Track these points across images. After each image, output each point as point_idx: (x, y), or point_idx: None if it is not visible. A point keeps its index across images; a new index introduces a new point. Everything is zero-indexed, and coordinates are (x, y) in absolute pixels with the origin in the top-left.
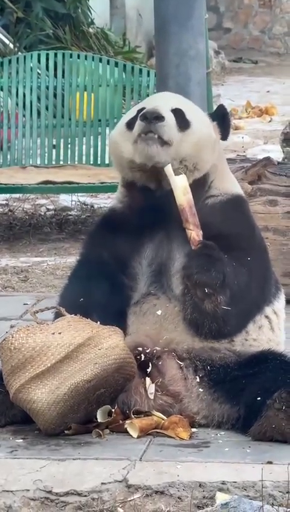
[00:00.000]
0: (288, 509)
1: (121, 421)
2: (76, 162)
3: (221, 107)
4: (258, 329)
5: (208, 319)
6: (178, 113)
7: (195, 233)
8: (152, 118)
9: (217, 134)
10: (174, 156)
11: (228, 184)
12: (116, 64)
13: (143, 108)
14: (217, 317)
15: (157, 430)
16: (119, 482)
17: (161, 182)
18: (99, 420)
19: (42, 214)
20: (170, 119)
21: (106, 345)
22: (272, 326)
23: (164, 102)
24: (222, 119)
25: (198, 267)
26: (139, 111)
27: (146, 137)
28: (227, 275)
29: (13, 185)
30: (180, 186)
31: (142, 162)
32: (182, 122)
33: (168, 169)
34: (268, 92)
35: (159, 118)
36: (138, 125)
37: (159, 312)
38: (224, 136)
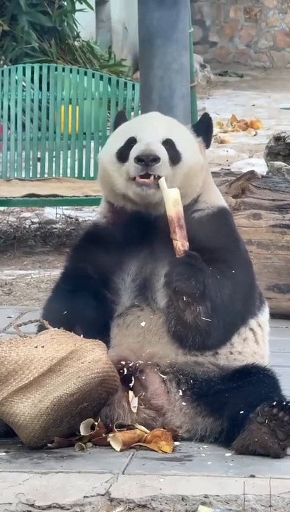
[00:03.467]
0: None
1: (104, 435)
2: (61, 175)
3: (206, 116)
4: (243, 342)
5: (191, 331)
6: (169, 145)
7: (180, 244)
8: (149, 161)
9: (203, 150)
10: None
11: (214, 197)
12: (101, 77)
13: (133, 139)
14: (200, 330)
15: (140, 444)
16: (102, 495)
17: (149, 208)
18: (82, 433)
19: (27, 227)
20: (164, 156)
21: (89, 359)
22: (257, 339)
23: (155, 133)
24: (206, 128)
25: (178, 275)
26: (129, 141)
27: (143, 181)
28: (208, 286)
29: None
30: (171, 198)
31: (137, 200)
32: (174, 155)
33: (162, 183)
34: (253, 105)
35: (155, 159)
36: (134, 167)
37: (143, 324)
38: (207, 144)
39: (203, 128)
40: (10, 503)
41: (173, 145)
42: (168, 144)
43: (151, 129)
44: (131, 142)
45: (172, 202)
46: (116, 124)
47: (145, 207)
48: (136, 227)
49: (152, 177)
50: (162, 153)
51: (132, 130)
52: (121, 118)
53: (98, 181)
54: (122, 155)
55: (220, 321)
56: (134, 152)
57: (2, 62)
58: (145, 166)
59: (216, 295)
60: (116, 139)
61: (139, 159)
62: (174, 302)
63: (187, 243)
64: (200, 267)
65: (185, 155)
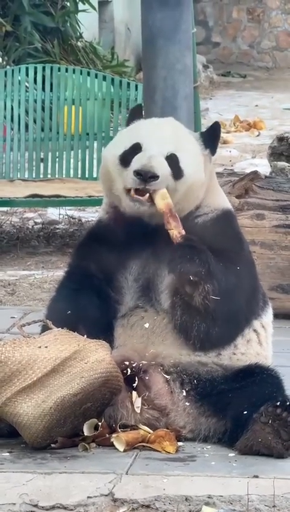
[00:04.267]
0: None
1: (107, 435)
2: (64, 176)
3: (216, 125)
4: (246, 343)
5: (197, 321)
6: (173, 160)
7: (177, 232)
8: (147, 177)
9: (209, 162)
10: None
11: (219, 199)
12: (104, 78)
13: (138, 146)
14: (208, 312)
15: (144, 444)
16: (106, 495)
17: (143, 218)
18: (85, 434)
19: (30, 227)
20: (164, 172)
21: (93, 359)
22: (260, 340)
23: (160, 146)
24: (214, 138)
25: (181, 257)
26: (134, 147)
27: (136, 198)
28: (212, 265)
29: (1, 198)
30: (159, 193)
31: (129, 212)
32: (176, 171)
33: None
34: (256, 106)
35: (154, 177)
36: (132, 180)
37: (146, 325)
38: (213, 153)
39: (211, 137)
40: (14, 504)
41: (176, 161)
42: (172, 159)
43: (157, 140)
44: (136, 148)
45: (160, 196)
46: (129, 119)
47: (139, 217)
48: (137, 227)
49: (147, 195)
50: (163, 170)
51: (139, 135)
52: (136, 114)
53: (100, 177)
54: (125, 160)
55: (225, 306)
56: (135, 163)
57: (5, 63)
58: (142, 182)
59: (220, 274)
60: (123, 141)
61: (138, 173)
62: (181, 288)
63: (183, 231)
64: (201, 248)
65: (187, 171)
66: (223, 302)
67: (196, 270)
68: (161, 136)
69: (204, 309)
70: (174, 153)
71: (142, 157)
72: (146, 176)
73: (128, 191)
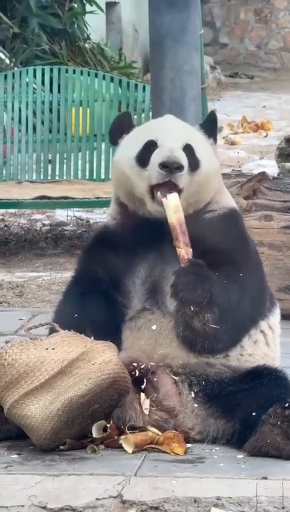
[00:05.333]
0: None
1: (116, 437)
2: (72, 177)
3: (212, 114)
4: (253, 344)
5: (199, 337)
6: (189, 151)
7: (184, 252)
8: (173, 168)
9: (216, 151)
10: (184, 195)
11: (226, 198)
12: (112, 79)
13: (153, 142)
14: (208, 336)
15: (152, 446)
16: (114, 497)
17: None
18: (94, 435)
19: (38, 229)
20: (186, 164)
21: (100, 360)
22: (268, 341)
23: (176, 138)
24: (212, 125)
25: (184, 284)
26: (148, 144)
27: (163, 194)
28: (215, 293)
29: (9, 200)
30: (171, 205)
31: (156, 216)
32: (193, 161)
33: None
34: (264, 107)
35: (180, 167)
36: (158, 173)
37: (154, 327)
38: (215, 141)
39: (210, 127)
40: (23, 506)
41: (192, 151)
42: (188, 149)
43: (171, 133)
44: (150, 145)
45: (173, 209)
46: (121, 129)
47: (154, 219)
48: (146, 230)
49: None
50: (185, 161)
51: (150, 132)
52: (126, 121)
53: (113, 184)
54: (142, 159)
55: (229, 326)
56: (157, 158)
57: (12, 64)
58: (169, 174)
59: (224, 301)
60: (133, 142)
61: (164, 165)
62: (182, 310)
63: (191, 250)
64: (205, 275)
65: (203, 161)
66: (225, 320)
67: (198, 301)
68: (173, 129)
69: (203, 333)
70: (189, 143)
71: (164, 150)
72: (172, 167)
73: (152, 193)
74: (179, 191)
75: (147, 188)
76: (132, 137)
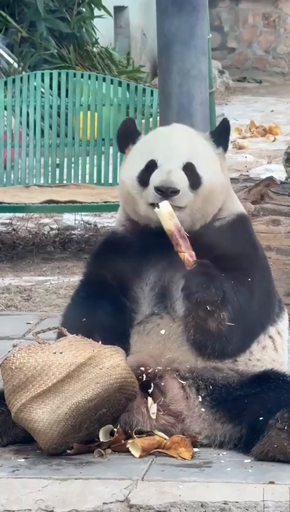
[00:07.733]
0: None
1: (123, 441)
2: (79, 181)
3: (225, 121)
4: (262, 350)
5: (211, 340)
6: (190, 170)
7: (188, 255)
8: (168, 193)
9: (224, 161)
10: (188, 212)
11: (235, 203)
12: (120, 83)
13: (153, 162)
14: (221, 336)
15: (160, 450)
16: (121, 501)
17: None
18: (101, 440)
19: (45, 233)
20: (184, 185)
21: (108, 365)
22: (276, 346)
23: (175, 158)
24: (225, 134)
25: (197, 286)
26: (149, 164)
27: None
28: (226, 291)
29: (17, 204)
30: (164, 212)
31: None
32: (194, 179)
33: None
34: (272, 111)
35: (174, 192)
36: (154, 195)
37: (162, 331)
38: (225, 149)
39: (222, 135)
40: (30, 510)
41: (193, 169)
42: (189, 168)
43: (171, 152)
44: (151, 165)
45: (167, 216)
46: (127, 137)
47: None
48: (154, 238)
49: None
50: (182, 182)
51: (152, 151)
52: (131, 130)
53: (120, 200)
54: (143, 179)
55: (239, 329)
56: (154, 180)
57: (20, 68)
58: (164, 197)
59: (234, 300)
60: (136, 160)
61: (158, 189)
62: (195, 313)
63: (193, 253)
64: (214, 274)
65: (206, 178)
66: (237, 319)
67: (213, 299)
68: (174, 147)
69: (217, 333)
70: (189, 161)
71: (161, 173)
72: (167, 192)
73: (152, 205)
74: (179, 209)
75: (146, 207)
76: (135, 153)
